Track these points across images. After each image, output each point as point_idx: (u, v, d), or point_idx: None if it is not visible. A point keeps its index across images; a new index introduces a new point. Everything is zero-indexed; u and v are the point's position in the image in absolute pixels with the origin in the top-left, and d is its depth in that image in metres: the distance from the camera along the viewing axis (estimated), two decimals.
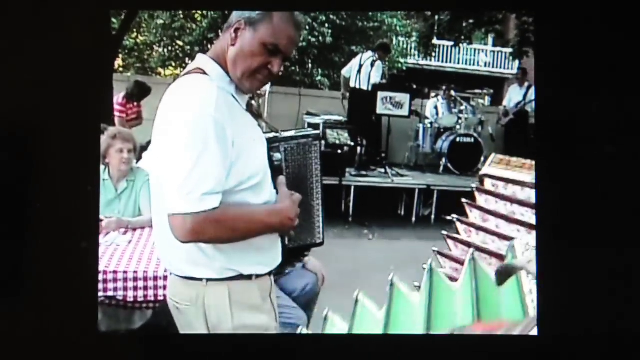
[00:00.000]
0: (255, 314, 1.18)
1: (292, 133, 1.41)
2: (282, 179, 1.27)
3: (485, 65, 10.24)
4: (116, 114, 4.25)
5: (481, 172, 1.89)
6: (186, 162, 1.13)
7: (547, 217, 1.01)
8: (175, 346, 1.02)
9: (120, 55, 8.03)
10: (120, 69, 8.31)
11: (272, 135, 1.30)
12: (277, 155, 1.29)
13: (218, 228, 1.16)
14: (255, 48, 1.17)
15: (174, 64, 9.05)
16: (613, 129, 1.03)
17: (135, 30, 8.40)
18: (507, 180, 1.78)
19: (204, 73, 1.17)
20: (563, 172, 1.02)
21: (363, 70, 5.14)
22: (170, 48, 8.99)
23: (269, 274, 1.22)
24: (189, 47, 8.65)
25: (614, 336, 1.00)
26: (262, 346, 1.03)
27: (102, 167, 2.28)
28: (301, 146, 1.36)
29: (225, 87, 1.19)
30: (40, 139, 0.95)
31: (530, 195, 1.66)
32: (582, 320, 1.00)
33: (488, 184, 1.83)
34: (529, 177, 1.62)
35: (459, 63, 10.51)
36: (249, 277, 1.20)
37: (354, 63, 5.31)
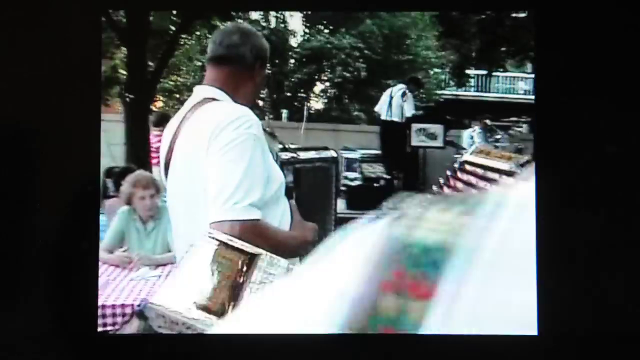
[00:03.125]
0: None
1: (309, 155, 1.46)
2: (293, 203, 1.33)
3: (524, 93, 10.12)
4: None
5: (462, 159, 1.91)
6: (235, 176, 1.18)
7: (546, 216, 0.99)
8: (175, 346, 1.03)
9: (161, 97, 8.40)
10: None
11: (289, 155, 1.37)
12: (290, 176, 1.36)
13: (259, 240, 1.17)
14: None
15: None
16: (613, 128, 1.02)
17: (174, 72, 8.76)
18: (486, 167, 1.81)
19: (217, 100, 1.32)
20: (563, 172, 1.01)
21: (394, 102, 5.19)
22: None
23: None
24: None
25: (614, 336, 0.97)
26: (262, 346, 1.03)
27: (129, 208, 2.42)
28: (317, 169, 1.40)
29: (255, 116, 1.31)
30: (40, 139, 0.99)
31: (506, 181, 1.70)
32: (582, 320, 0.97)
33: (469, 169, 1.87)
34: (507, 165, 1.62)
35: (497, 92, 10.44)
36: None
37: (385, 97, 5.39)
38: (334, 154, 1.58)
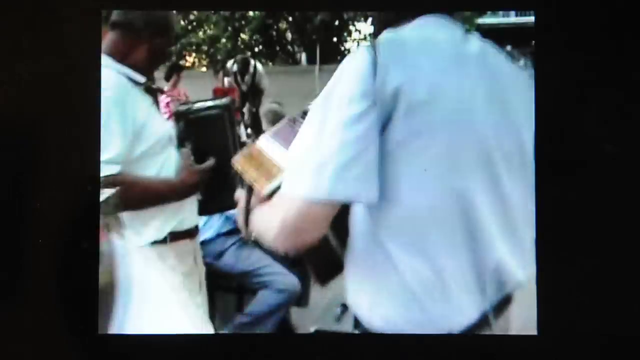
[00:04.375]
0: (167, 278, 1.32)
1: (201, 105, 1.50)
2: (183, 151, 1.46)
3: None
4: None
5: None
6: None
7: (546, 216, 0.99)
8: (175, 346, 1.03)
9: (194, 54, 8.35)
10: (194, 66, 8.55)
11: (185, 107, 1.44)
12: (180, 127, 1.44)
13: (122, 192, 1.19)
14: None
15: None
16: (613, 128, 1.02)
17: (203, 25, 8.61)
18: None
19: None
20: (563, 172, 1.01)
21: None
22: (234, 41, 9.11)
23: (188, 236, 1.40)
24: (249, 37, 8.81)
25: (614, 336, 0.97)
26: (262, 345, 1.03)
27: None
28: (205, 118, 1.45)
29: (123, 73, 1.40)
30: (39, 139, 0.99)
31: None
32: (582, 320, 0.98)
33: None
34: None
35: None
36: (163, 241, 1.38)
37: None
38: (226, 101, 1.59)
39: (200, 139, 1.50)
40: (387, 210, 0.82)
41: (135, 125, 1.38)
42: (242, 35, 9.06)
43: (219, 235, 2.17)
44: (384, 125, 0.79)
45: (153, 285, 1.15)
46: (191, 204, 1.49)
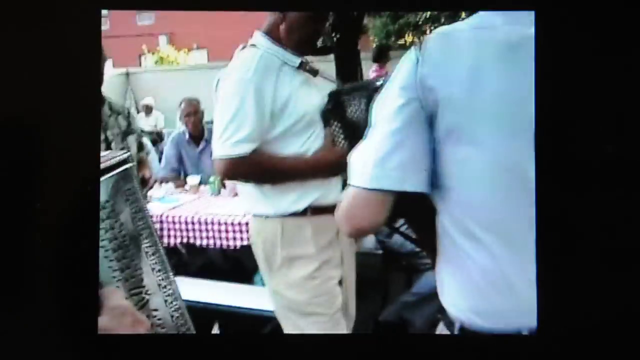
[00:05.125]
0: (304, 247, 1.42)
1: (353, 85, 1.55)
2: (326, 131, 1.50)
3: None
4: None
5: None
6: (225, 117, 1.39)
7: (546, 216, 0.99)
8: (175, 346, 1.03)
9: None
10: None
11: (334, 89, 1.48)
12: (331, 105, 1.47)
13: (252, 170, 1.42)
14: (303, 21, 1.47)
15: None
16: (613, 128, 1.02)
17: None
18: None
19: (254, 46, 1.49)
20: (563, 172, 1.01)
21: None
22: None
23: (330, 211, 1.32)
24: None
25: (614, 336, 0.97)
26: (262, 345, 1.03)
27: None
28: (359, 97, 1.47)
29: (274, 54, 1.46)
30: (39, 139, 0.99)
31: None
32: (582, 320, 0.98)
33: None
34: None
35: None
36: (303, 213, 1.44)
37: None
38: (381, 82, 1.64)
39: (350, 118, 1.52)
40: (447, 199, 0.85)
41: (274, 105, 1.44)
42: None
43: None
44: (431, 117, 0.83)
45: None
46: (337, 180, 1.50)
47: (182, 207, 2.78)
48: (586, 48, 1.02)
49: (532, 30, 0.86)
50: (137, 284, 0.72)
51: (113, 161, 0.72)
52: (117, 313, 0.69)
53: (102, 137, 1.98)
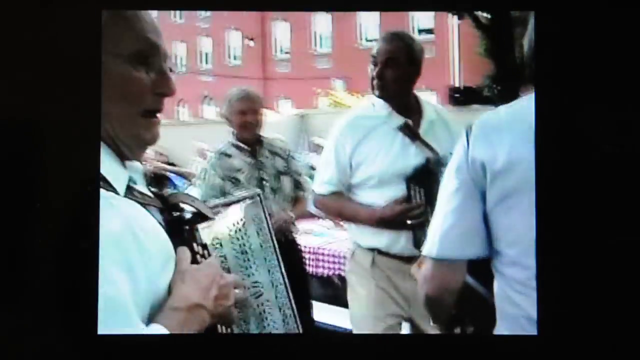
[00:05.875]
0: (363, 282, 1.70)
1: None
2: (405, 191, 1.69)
3: None
4: None
5: None
6: (320, 162, 1.77)
7: (546, 216, 0.99)
8: (175, 346, 1.03)
9: None
10: None
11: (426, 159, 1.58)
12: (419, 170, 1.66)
13: (326, 207, 1.77)
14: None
15: None
16: (614, 128, 1.02)
17: None
18: None
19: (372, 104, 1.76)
20: (563, 172, 1.01)
21: None
22: None
23: (392, 257, 1.66)
24: None
25: (613, 336, 0.97)
26: (262, 346, 1.03)
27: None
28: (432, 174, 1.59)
29: (380, 115, 1.70)
30: (39, 139, 0.99)
31: None
32: (582, 320, 0.98)
33: None
34: None
35: None
36: (371, 250, 1.70)
37: None
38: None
39: (429, 189, 1.65)
40: (499, 260, 0.98)
41: (350, 160, 1.72)
42: None
43: None
44: (483, 191, 0.96)
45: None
46: (407, 235, 1.70)
47: (337, 242, 2.90)
48: (586, 48, 1.02)
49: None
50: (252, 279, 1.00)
51: (245, 194, 1.02)
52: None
53: (256, 175, 2.18)
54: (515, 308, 0.95)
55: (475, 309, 1.02)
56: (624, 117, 1.02)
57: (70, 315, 0.99)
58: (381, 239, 1.69)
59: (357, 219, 1.72)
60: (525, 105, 0.97)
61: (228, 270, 0.96)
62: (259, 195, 1.04)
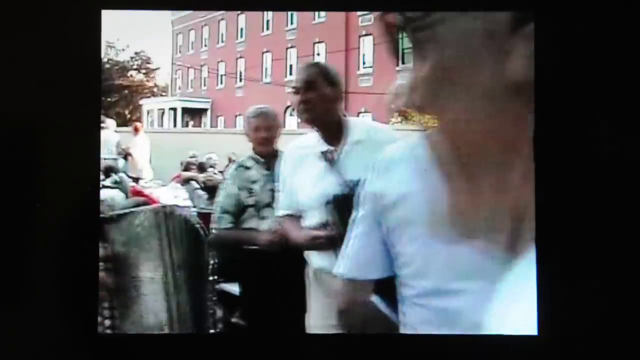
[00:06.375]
0: None
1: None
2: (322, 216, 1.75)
3: None
4: None
5: None
6: None
7: (546, 216, 0.99)
8: (175, 346, 1.03)
9: None
10: None
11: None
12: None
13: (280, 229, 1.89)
14: None
15: None
16: (613, 128, 1.02)
17: None
18: None
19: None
20: (563, 172, 1.01)
21: None
22: None
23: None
24: None
25: (613, 336, 0.97)
26: (262, 345, 1.03)
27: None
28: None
29: (309, 144, 1.78)
30: (39, 139, 0.99)
31: None
32: (582, 320, 0.98)
33: None
34: None
35: None
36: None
37: None
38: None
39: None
40: (396, 279, 1.08)
41: (290, 186, 1.85)
42: None
43: None
44: (380, 221, 1.05)
45: None
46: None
47: None
48: (585, 48, 1.02)
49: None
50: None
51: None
52: None
53: (269, 187, 2.23)
54: (405, 318, 1.04)
55: (378, 324, 1.10)
56: (624, 117, 1.02)
57: (70, 315, 0.99)
58: (315, 259, 1.79)
59: (291, 242, 1.83)
60: (415, 141, 1.06)
61: None
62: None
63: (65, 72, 0.97)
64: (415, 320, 1.02)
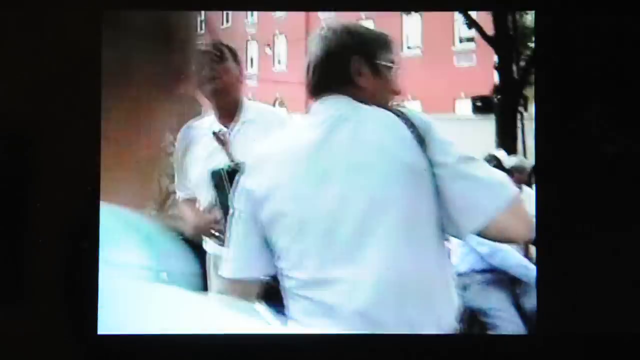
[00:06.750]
0: None
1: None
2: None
3: None
4: None
5: None
6: None
7: (546, 216, 0.99)
8: (175, 346, 1.03)
9: None
10: None
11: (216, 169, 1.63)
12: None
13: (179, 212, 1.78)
14: None
15: None
16: (614, 128, 1.02)
17: None
18: None
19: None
20: (563, 172, 1.01)
21: None
22: None
23: None
24: None
25: (612, 336, 0.97)
26: (262, 346, 1.03)
27: None
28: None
29: (203, 126, 1.73)
30: (39, 139, 0.99)
31: None
32: (581, 320, 0.98)
33: None
34: None
35: None
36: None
37: None
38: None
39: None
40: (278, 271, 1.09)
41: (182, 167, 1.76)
42: None
43: (472, 271, 2.26)
44: (255, 215, 1.05)
45: None
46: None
47: None
48: (585, 48, 1.02)
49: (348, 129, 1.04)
50: None
51: None
52: None
53: None
54: (289, 311, 1.05)
55: None
56: (624, 117, 1.02)
57: (70, 315, 0.99)
58: (209, 245, 1.75)
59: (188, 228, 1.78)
60: (287, 133, 1.10)
61: None
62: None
63: (65, 72, 0.97)
64: (298, 312, 1.03)
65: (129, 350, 1.03)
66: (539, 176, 1.01)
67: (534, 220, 0.99)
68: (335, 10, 0.86)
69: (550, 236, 0.98)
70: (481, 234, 1.00)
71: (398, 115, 1.02)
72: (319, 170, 1.01)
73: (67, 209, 0.98)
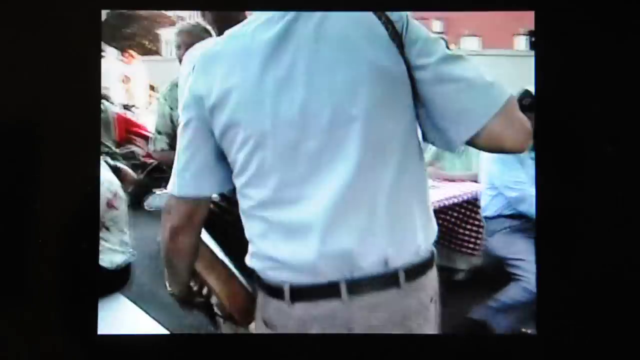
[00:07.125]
0: None
1: None
2: None
3: None
4: None
5: None
6: None
7: (546, 216, 0.99)
8: (175, 347, 1.03)
9: None
10: None
11: None
12: None
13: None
14: None
15: None
16: (614, 128, 1.02)
17: None
18: None
19: None
20: (563, 172, 1.01)
21: None
22: None
23: None
24: None
25: (612, 336, 0.97)
26: (261, 346, 1.03)
27: None
28: None
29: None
30: (39, 139, 0.99)
31: None
32: (581, 320, 0.98)
33: None
34: None
35: None
36: None
37: None
38: None
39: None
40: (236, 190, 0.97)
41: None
42: None
43: (499, 216, 2.21)
44: (210, 127, 0.92)
45: None
46: None
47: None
48: (585, 47, 1.02)
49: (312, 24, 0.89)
50: None
51: None
52: None
53: None
54: (246, 232, 0.94)
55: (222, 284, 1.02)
56: (624, 117, 1.02)
57: (70, 315, 0.99)
58: None
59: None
60: (243, 30, 0.92)
61: None
62: None
63: (65, 72, 0.97)
64: (254, 233, 0.92)
65: (129, 350, 1.03)
66: (539, 176, 1.01)
67: (530, 126, 0.88)
68: (335, 10, 0.85)
69: (550, 236, 0.98)
70: (472, 143, 0.89)
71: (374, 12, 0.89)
72: (278, 73, 0.88)
73: (67, 209, 0.98)
